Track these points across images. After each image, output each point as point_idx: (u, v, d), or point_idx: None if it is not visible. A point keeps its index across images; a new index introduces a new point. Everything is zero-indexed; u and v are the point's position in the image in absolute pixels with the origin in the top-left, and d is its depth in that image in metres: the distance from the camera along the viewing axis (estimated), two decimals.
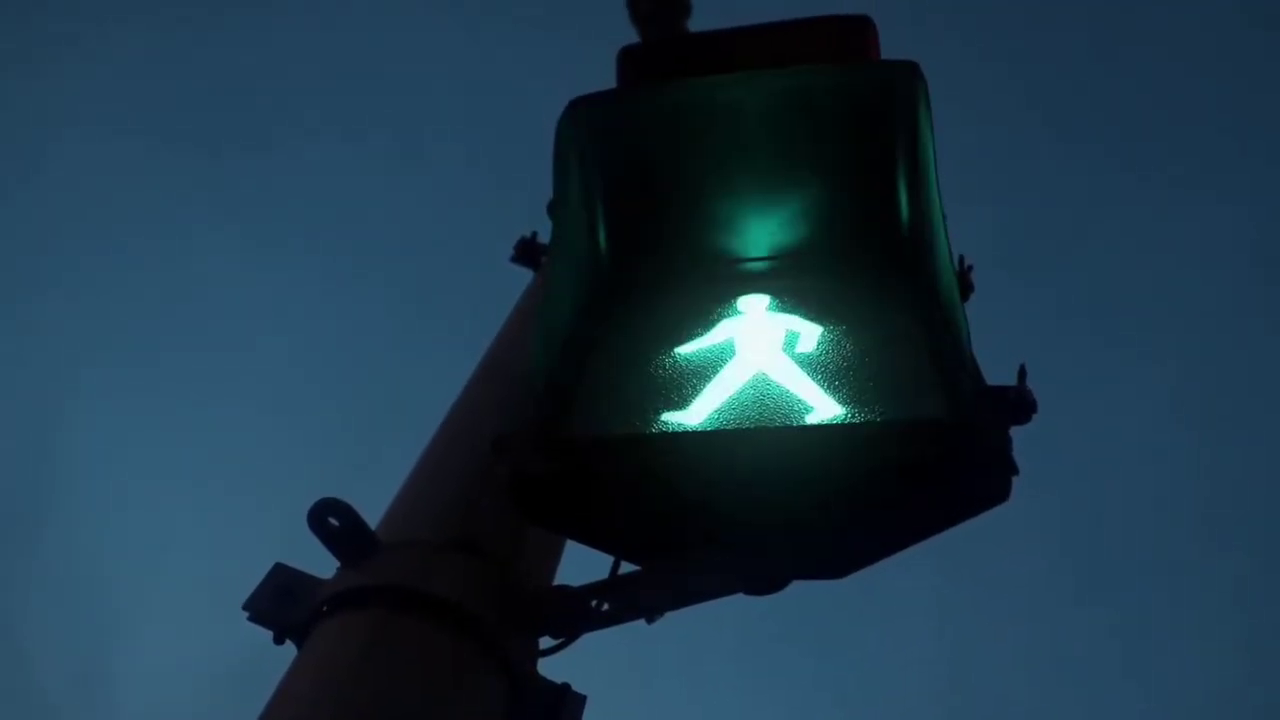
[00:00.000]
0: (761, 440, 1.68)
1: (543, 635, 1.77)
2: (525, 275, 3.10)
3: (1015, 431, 1.65)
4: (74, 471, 11.78)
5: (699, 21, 3.52)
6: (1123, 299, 11.37)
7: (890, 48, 2.43)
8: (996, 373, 1.77)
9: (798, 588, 1.82)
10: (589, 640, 1.83)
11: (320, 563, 1.78)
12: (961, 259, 2.15)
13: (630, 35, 3.51)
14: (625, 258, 2.07)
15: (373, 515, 1.88)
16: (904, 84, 1.92)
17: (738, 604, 1.84)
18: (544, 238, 3.19)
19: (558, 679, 1.77)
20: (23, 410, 11.41)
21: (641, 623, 1.78)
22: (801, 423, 1.73)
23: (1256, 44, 11.13)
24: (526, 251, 3.11)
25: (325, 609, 1.64)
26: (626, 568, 1.82)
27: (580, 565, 1.92)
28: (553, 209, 3.06)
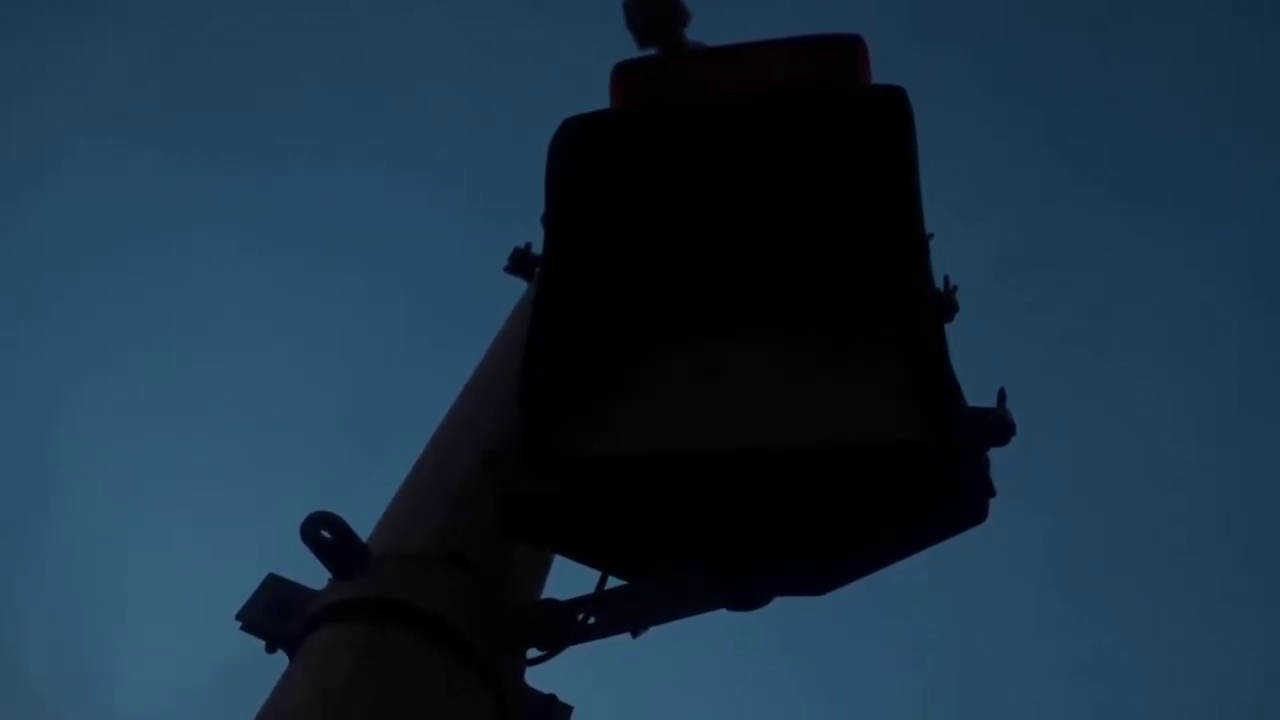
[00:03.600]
0: (743, 461, 1.72)
1: (530, 648, 1.80)
2: (520, 285, 3.13)
3: (1001, 450, 1.69)
4: (74, 477, 11.83)
5: (698, 31, 3.55)
6: (1114, 314, 11.39)
7: (886, 63, 2.46)
8: (986, 386, 1.80)
9: (780, 601, 1.86)
10: (575, 647, 1.86)
11: (315, 568, 1.81)
12: (946, 279, 2.19)
13: (630, 44, 3.53)
14: (612, 275, 2.11)
15: (366, 523, 1.92)
16: (891, 110, 1.95)
17: (722, 613, 1.88)
18: (538, 248, 3.21)
19: (544, 687, 1.81)
20: (25, 416, 11.45)
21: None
22: (783, 443, 1.76)
23: (1249, 57, 11.15)
24: (521, 262, 3.13)
25: (316, 621, 1.67)
26: (613, 582, 1.85)
27: (569, 578, 1.96)
28: (545, 221, 3.07)
